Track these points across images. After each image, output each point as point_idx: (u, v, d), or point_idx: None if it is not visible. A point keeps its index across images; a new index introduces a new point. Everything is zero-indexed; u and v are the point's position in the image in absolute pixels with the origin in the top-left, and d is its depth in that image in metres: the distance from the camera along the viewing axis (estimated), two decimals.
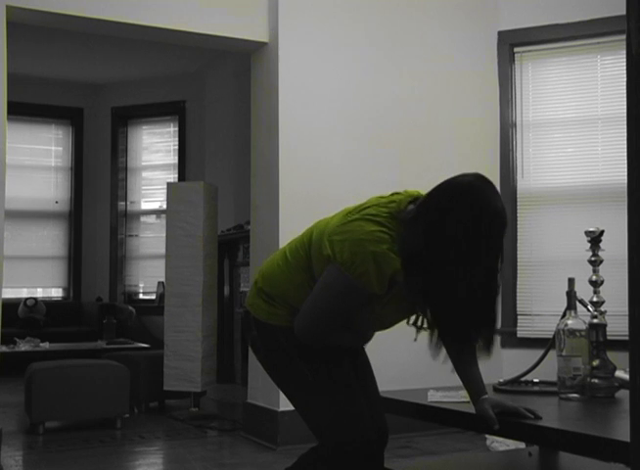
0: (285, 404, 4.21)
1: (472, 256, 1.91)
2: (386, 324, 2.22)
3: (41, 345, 6.53)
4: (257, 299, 2.21)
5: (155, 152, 8.91)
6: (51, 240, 8.79)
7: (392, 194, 2.12)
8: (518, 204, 4.81)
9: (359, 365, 2.30)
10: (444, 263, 1.92)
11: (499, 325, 2.07)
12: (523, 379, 2.61)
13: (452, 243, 1.91)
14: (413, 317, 2.17)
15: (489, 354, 2.05)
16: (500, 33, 4.96)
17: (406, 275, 1.96)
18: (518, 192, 4.83)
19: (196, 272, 5.15)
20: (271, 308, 2.17)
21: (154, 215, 8.83)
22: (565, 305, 2.46)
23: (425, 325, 2.14)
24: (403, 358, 4.38)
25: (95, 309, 8.36)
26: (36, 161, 8.76)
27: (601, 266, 2.51)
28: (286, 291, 2.15)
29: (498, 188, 2.06)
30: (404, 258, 1.95)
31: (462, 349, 2.10)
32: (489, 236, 1.92)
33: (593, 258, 2.50)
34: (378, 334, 2.28)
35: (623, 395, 2.34)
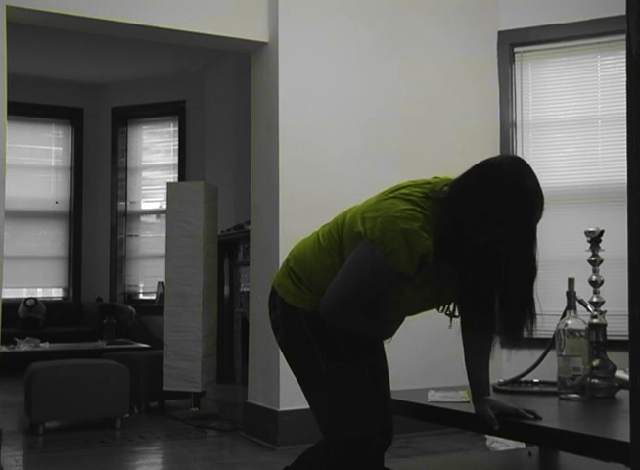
0: (285, 404, 4.21)
1: (500, 236, 1.90)
2: (414, 310, 2.19)
3: (41, 345, 6.53)
4: (286, 279, 2.20)
5: (155, 152, 8.91)
6: (51, 240, 8.79)
7: (431, 178, 2.12)
8: None
9: (376, 363, 2.28)
10: (474, 244, 1.91)
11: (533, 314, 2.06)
12: (523, 379, 2.61)
13: (482, 222, 1.90)
14: (446, 306, 2.15)
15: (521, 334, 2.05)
16: (500, 33, 4.96)
17: (438, 255, 1.94)
18: None
19: (196, 272, 5.15)
20: (298, 291, 2.16)
21: (154, 215, 8.83)
22: (565, 305, 2.46)
23: (456, 313, 2.13)
24: (403, 358, 4.38)
25: (95, 309, 8.36)
26: (36, 161, 8.76)
27: (601, 266, 2.51)
28: (315, 273, 2.13)
29: None
30: (436, 238, 1.94)
31: (481, 345, 2.10)
32: (519, 215, 1.90)
33: (593, 258, 2.50)
34: None
35: (623, 395, 2.34)
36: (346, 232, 2.09)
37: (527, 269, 1.97)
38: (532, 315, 2.02)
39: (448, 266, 1.96)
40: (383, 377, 2.32)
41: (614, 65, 4.77)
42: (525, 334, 2.05)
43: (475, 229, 1.90)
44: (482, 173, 1.96)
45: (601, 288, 2.50)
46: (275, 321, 2.24)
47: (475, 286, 1.96)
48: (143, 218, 8.90)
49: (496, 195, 1.90)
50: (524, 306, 2.00)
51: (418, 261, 1.95)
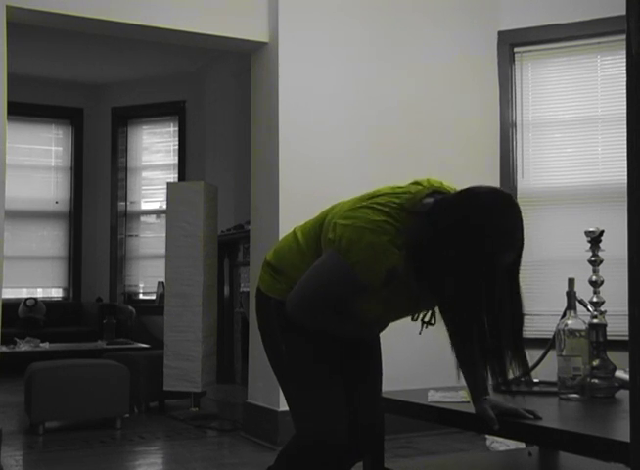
0: (285, 404, 4.20)
1: (469, 266, 1.87)
2: (389, 319, 2.17)
3: (41, 345, 6.53)
4: (264, 271, 2.24)
5: (155, 152, 8.91)
6: (51, 240, 8.79)
7: (413, 183, 2.06)
8: None
9: (358, 358, 2.22)
10: (444, 266, 1.88)
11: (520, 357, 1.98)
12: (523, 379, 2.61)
13: (453, 248, 1.87)
14: (418, 314, 2.14)
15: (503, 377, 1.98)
16: (500, 33, 4.96)
17: (411, 265, 1.92)
18: (518, 192, 4.83)
19: (196, 272, 5.15)
20: (274, 282, 2.17)
21: (154, 215, 8.83)
22: (565, 305, 2.46)
23: (432, 321, 2.12)
24: (403, 358, 4.38)
25: (95, 309, 8.37)
26: (36, 161, 8.76)
27: (601, 266, 2.51)
28: (292, 268, 2.13)
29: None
30: (410, 249, 1.91)
31: (470, 351, 2.05)
32: (489, 251, 1.86)
33: (593, 258, 2.50)
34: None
35: (623, 395, 2.34)
36: (323, 234, 2.08)
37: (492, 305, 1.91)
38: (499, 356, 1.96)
39: (420, 282, 1.94)
40: (368, 374, 2.24)
41: (614, 65, 4.77)
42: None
43: (444, 252, 1.87)
44: (463, 203, 1.89)
45: (601, 288, 2.50)
46: (256, 311, 2.27)
47: (448, 302, 1.96)
48: (143, 218, 8.90)
49: (471, 228, 1.85)
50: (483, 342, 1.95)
51: (384, 275, 1.94)
